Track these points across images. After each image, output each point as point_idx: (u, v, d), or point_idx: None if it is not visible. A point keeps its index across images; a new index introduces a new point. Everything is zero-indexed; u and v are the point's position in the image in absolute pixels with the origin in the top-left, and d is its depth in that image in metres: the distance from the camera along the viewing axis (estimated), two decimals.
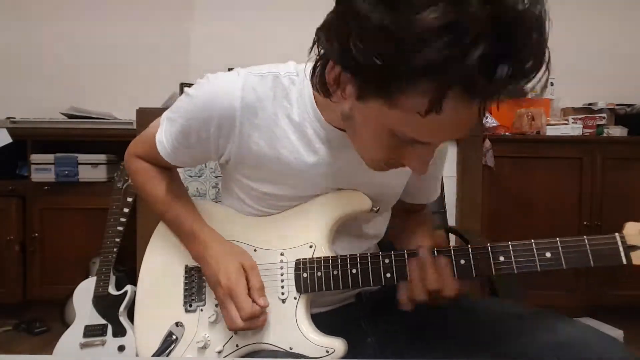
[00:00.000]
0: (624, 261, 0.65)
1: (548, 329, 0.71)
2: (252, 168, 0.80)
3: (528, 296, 0.98)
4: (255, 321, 0.77)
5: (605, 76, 2.92)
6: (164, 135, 0.84)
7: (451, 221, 1.59)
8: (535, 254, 0.69)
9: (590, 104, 2.73)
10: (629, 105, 2.73)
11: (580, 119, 2.60)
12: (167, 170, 0.93)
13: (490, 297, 0.99)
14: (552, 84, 2.83)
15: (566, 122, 2.59)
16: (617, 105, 2.74)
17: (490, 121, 2.51)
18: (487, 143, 2.25)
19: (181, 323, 0.84)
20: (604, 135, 2.59)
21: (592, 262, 0.66)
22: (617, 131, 2.61)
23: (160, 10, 2.88)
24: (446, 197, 1.36)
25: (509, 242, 0.70)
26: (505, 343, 0.73)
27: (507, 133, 2.55)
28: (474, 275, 0.71)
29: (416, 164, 0.64)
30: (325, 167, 0.78)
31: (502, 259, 0.70)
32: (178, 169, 0.97)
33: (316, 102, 0.75)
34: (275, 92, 0.76)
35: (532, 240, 0.69)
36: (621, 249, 0.66)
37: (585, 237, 0.67)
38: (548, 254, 0.68)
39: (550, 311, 0.76)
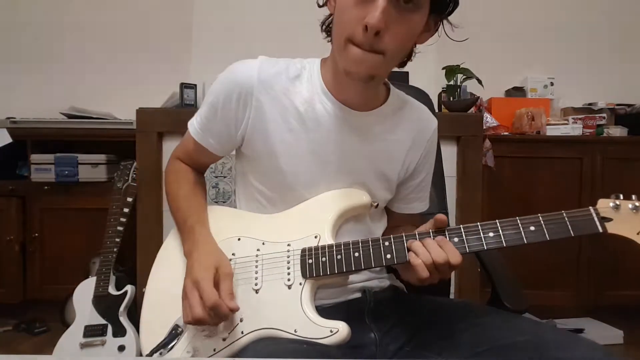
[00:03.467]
0: (600, 230, 0.72)
1: (555, 346, 0.72)
2: (264, 139, 0.89)
3: (528, 299, 0.98)
4: (217, 316, 0.78)
5: (605, 76, 2.92)
6: (195, 118, 0.96)
7: (451, 221, 1.59)
8: (521, 228, 0.75)
9: (590, 104, 2.74)
10: (629, 105, 2.73)
11: (580, 119, 2.60)
12: (199, 175, 1.03)
13: (491, 302, 0.99)
14: (552, 83, 2.83)
15: (566, 122, 2.59)
16: (617, 105, 2.74)
17: (490, 121, 2.51)
18: (487, 143, 2.25)
19: None
20: (604, 135, 2.59)
21: (571, 232, 0.73)
22: (617, 131, 2.61)
23: (160, 10, 2.88)
24: (446, 197, 1.36)
25: (497, 220, 0.76)
26: (510, 356, 0.74)
27: (507, 133, 2.55)
28: (467, 250, 0.76)
29: (372, 12, 0.74)
30: (327, 135, 0.88)
31: (491, 234, 0.76)
32: None
33: (325, 83, 0.89)
34: (289, 72, 0.90)
35: (517, 217, 0.76)
36: (596, 219, 0.73)
37: (563, 211, 0.74)
38: (532, 228, 0.75)
39: (555, 327, 0.78)
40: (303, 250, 0.84)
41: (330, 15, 0.86)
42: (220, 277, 0.81)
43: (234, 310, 0.79)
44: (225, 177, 1.35)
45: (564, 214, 0.74)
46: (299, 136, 0.88)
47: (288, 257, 0.84)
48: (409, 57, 0.89)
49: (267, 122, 0.88)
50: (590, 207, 0.74)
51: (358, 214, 0.92)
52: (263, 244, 0.87)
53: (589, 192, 2.42)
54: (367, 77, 0.82)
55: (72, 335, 1.91)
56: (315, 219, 0.87)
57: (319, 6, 0.87)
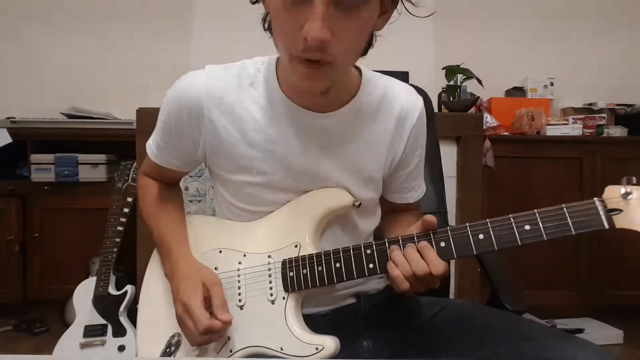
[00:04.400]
0: (606, 225, 0.62)
1: (555, 349, 0.70)
2: (225, 158, 0.82)
3: (527, 299, 0.97)
4: (214, 335, 0.77)
5: (605, 76, 2.92)
6: (151, 139, 0.90)
7: (451, 221, 1.59)
8: (515, 228, 0.66)
9: (590, 104, 2.74)
10: (629, 105, 2.73)
11: (580, 119, 2.60)
12: (169, 187, 0.97)
13: (490, 303, 0.98)
14: (552, 83, 2.83)
15: (566, 122, 2.59)
16: (617, 105, 2.74)
17: (490, 121, 2.51)
18: (487, 143, 2.25)
19: (180, 334, 0.84)
20: (604, 135, 2.59)
21: (573, 230, 0.63)
22: (617, 131, 2.61)
23: (160, 10, 2.88)
24: (446, 197, 1.35)
25: (487, 220, 0.68)
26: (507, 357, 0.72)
27: (507, 133, 2.55)
28: (456, 256, 0.70)
29: (310, 22, 0.62)
30: (293, 146, 0.80)
31: (481, 237, 0.68)
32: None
33: (281, 87, 0.79)
34: (241, 80, 0.81)
35: (510, 215, 0.67)
36: (602, 213, 0.63)
37: (563, 205, 0.64)
38: (527, 227, 0.66)
39: (555, 329, 0.75)
40: (283, 262, 0.80)
41: (268, 13, 0.74)
42: (209, 290, 0.80)
43: (227, 323, 0.77)
44: None
45: (565, 209, 0.64)
46: (262, 149, 0.80)
47: (269, 269, 0.81)
48: (369, 45, 0.77)
49: (224, 140, 0.80)
50: (596, 199, 0.63)
51: (342, 214, 0.85)
52: (244, 255, 0.84)
53: (589, 192, 2.42)
54: (321, 91, 0.74)
55: (72, 335, 1.91)
56: (295, 226, 0.82)
57: (252, 3, 0.76)
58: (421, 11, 0.76)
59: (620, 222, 0.62)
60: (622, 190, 0.62)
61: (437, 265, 0.69)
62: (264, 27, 0.78)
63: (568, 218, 0.64)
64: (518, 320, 0.81)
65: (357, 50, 0.72)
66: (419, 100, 0.89)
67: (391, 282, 0.73)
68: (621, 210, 0.62)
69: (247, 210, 0.87)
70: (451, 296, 1.71)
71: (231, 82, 0.81)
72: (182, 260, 0.85)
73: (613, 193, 0.63)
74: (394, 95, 0.86)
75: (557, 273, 2.43)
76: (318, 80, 0.69)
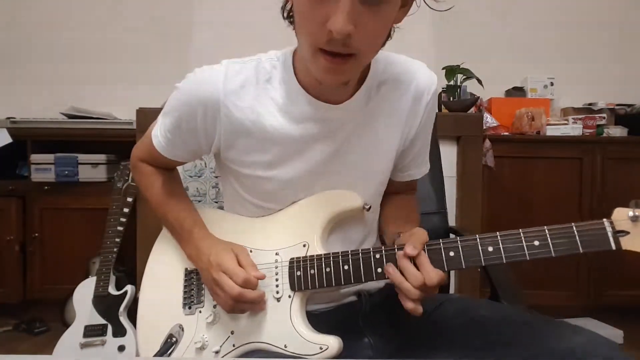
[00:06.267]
0: (613, 246, 0.64)
1: (552, 336, 0.70)
2: (242, 152, 0.82)
3: (527, 299, 0.97)
4: (251, 292, 0.77)
5: (605, 76, 2.92)
6: (158, 129, 0.88)
7: (451, 221, 1.59)
8: (524, 243, 0.68)
9: (590, 104, 2.74)
10: (629, 105, 2.73)
11: (580, 119, 2.60)
12: (168, 172, 0.96)
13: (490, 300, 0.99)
14: (552, 83, 2.83)
15: (566, 122, 2.59)
16: (617, 105, 2.74)
17: (490, 121, 2.51)
18: (487, 143, 2.25)
19: (181, 325, 0.85)
20: (604, 135, 2.59)
21: (580, 248, 0.65)
22: (617, 131, 2.61)
23: (160, 10, 2.88)
24: (446, 197, 1.36)
25: (497, 232, 0.69)
26: (507, 348, 0.72)
27: (507, 133, 2.55)
28: (464, 266, 0.71)
29: (336, 16, 0.63)
30: (312, 141, 0.81)
31: (490, 249, 0.69)
32: (178, 169, 1.01)
33: (299, 82, 0.80)
34: (258, 77, 0.81)
35: (520, 230, 0.68)
36: (610, 234, 0.65)
37: (573, 224, 0.66)
38: (536, 242, 0.67)
39: (551, 318, 0.75)
40: (291, 261, 0.81)
41: (287, 1, 0.77)
42: (237, 254, 0.81)
43: (260, 278, 0.79)
44: None
45: (574, 228, 0.66)
46: (278, 145, 0.80)
47: (276, 267, 0.82)
48: (387, 37, 0.78)
49: (240, 135, 0.81)
50: (605, 220, 0.65)
51: (350, 217, 0.86)
52: (250, 251, 0.84)
53: (589, 192, 2.42)
54: (342, 83, 0.76)
55: (72, 335, 1.91)
56: (304, 225, 0.83)
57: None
58: (435, 6, 0.77)
59: (626, 243, 0.64)
60: (630, 213, 0.64)
61: (432, 277, 0.70)
62: (283, 15, 0.79)
63: (577, 237, 0.66)
64: (515, 309, 0.83)
65: (379, 43, 0.74)
66: (433, 76, 0.89)
67: (407, 309, 0.74)
68: (628, 233, 0.64)
69: (259, 206, 0.87)
70: None
71: (249, 78, 0.80)
72: (207, 239, 0.86)
73: (621, 215, 0.65)
74: (409, 73, 0.86)
75: (557, 273, 2.43)
76: (341, 73, 0.71)
